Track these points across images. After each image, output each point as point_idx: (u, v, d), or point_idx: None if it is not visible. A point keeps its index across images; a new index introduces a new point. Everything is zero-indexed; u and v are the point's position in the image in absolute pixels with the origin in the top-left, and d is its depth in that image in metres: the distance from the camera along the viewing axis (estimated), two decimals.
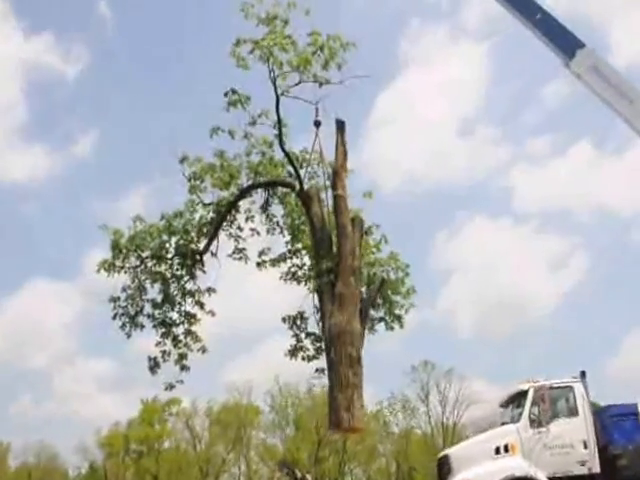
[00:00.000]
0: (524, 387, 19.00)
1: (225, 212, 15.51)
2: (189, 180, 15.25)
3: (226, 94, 12.88)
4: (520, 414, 18.67)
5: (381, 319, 16.49)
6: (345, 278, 12.42)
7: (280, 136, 13.65)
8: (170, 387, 15.91)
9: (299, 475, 21.71)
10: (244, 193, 15.25)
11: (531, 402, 18.41)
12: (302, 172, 14.64)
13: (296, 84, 13.09)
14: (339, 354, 11.70)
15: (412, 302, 16.42)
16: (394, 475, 59.73)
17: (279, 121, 13.36)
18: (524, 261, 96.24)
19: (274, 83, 12.62)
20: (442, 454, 19.62)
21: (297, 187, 14.00)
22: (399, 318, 16.42)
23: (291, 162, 14.10)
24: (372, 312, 16.75)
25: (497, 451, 18.08)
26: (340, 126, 14.06)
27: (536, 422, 18.27)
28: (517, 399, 19.42)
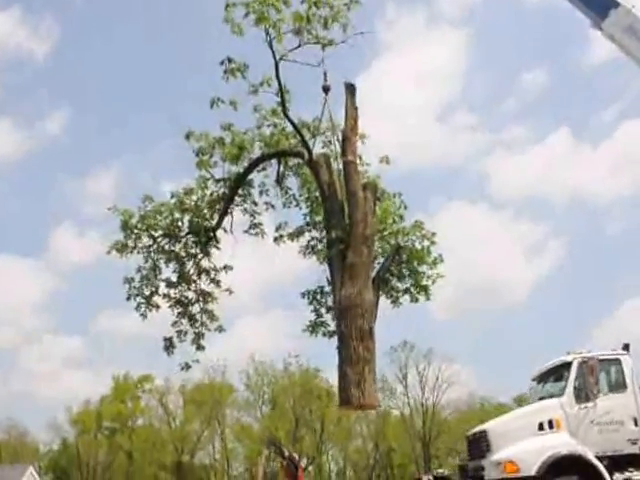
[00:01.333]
0: (567, 359, 17.41)
1: (235, 186, 14.94)
2: (197, 155, 14.70)
3: (222, 62, 12.21)
4: (563, 388, 17.24)
5: (406, 290, 15.78)
6: (356, 247, 11.72)
7: (283, 103, 12.97)
8: (187, 367, 15.59)
9: (287, 454, 21.28)
10: (253, 166, 14.63)
11: (575, 375, 16.96)
12: (314, 140, 14.03)
13: (296, 47, 12.37)
14: (349, 327, 11.04)
15: (439, 272, 15.66)
16: (372, 455, 59.09)
17: (280, 88, 12.66)
18: (501, 247, 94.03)
19: (271, 46, 11.91)
20: (478, 429, 18.37)
21: (306, 156, 13.27)
22: (425, 289, 15.67)
23: (297, 130, 13.41)
24: (397, 284, 16.14)
25: (540, 427, 16.50)
26: (350, 89, 13.31)
27: (582, 396, 16.83)
28: (557, 372, 18.06)
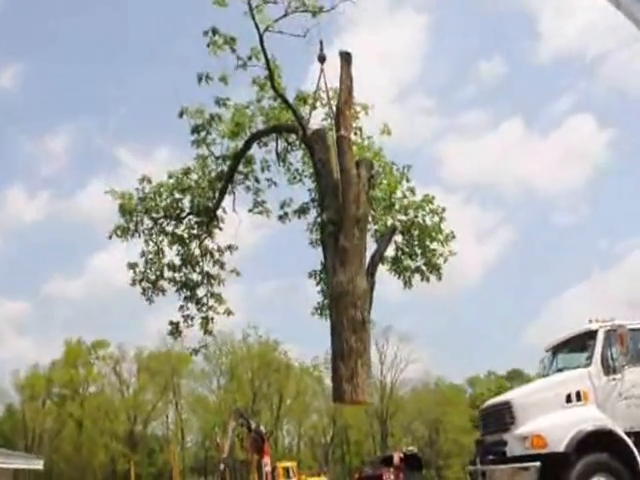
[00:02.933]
0: (592, 327, 15.96)
1: (234, 164, 14.28)
2: (192, 133, 14.07)
3: (206, 33, 11.43)
4: (588, 359, 15.93)
5: (416, 269, 15.00)
6: (348, 230, 10.93)
7: (271, 77, 12.19)
8: (195, 352, 15.32)
9: (254, 426, 20.86)
10: (249, 143, 13.93)
11: (603, 344, 15.62)
12: (311, 114, 13.24)
13: (282, 17, 11.48)
14: (340, 317, 10.33)
15: (452, 249, 14.81)
16: (328, 431, 58.41)
17: (267, 61, 11.83)
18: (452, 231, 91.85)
19: (253, 17, 11.06)
20: (498, 400, 17.14)
21: (300, 131, 12.47)
22: (437, 268, 14.86)
23: (288, 104, 12.61)
24: (409, 262, 15.37)
25: (568, 399, 15.21)
26: (345, 58, 12.37)
27: (609, 368, 15.58)
28: (578, 342, 16.65)
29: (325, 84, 12.86)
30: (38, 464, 14.20)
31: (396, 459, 22.52)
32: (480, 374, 74.57)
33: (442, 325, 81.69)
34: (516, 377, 68.80)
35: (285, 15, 11.50)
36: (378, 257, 11.44)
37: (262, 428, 24.43)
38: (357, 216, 11.09)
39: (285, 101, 12.65)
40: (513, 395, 16.72)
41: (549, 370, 17.66)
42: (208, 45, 11.41)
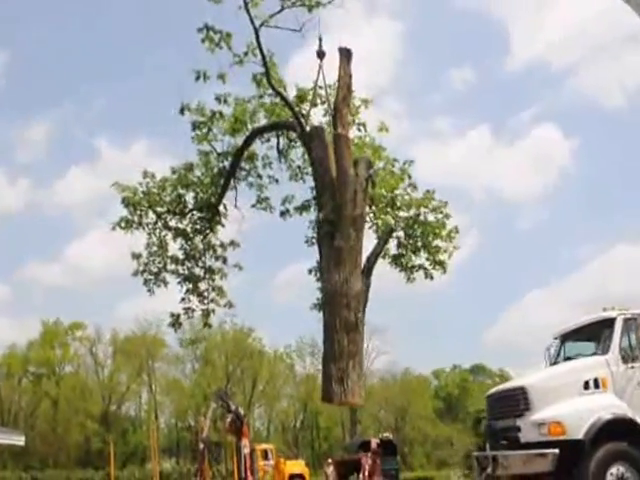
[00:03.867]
0: (610, 315, 15.68)
1: (235, 160, 14.28)
2: (193, 129, 14.08)
3: (200, 30, 11.37)
4: (604, 347, 15.42)
5: (419, 267, 14.94)
6: (343, 230, 10.89)
7: (267, 73, 12.10)
8: (192, 343, 15.49)
9: (233, 408, 20.84)
10: (249, 139, 13.91)
11: (621, 332, 15.05)
12: (309, 111, 13.18)
13: (278, 12, 11.39)
14: (333, 318, 10.33)
15: (456, 245, 14.73)
16: (299, 417, 58.67)
17: (263, 56, 11.76)
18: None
19: (248, 11, 10.98)
20: (511, 385, 16.74)
21: (299, 129, 12.41)
22: (442, 264, 14.79)
23: (285, 101, 12.56)
24: (413, 258, 15.31)
25: (586, 386, 14.83)
26: (344, 54, 12.26)
27: (628, 356, 15.09)
28: (592, 330, 16.32)
29: (324, 80, 12.76)
30: (19, 440, 14.29)
31: (373, 445, 22.67)
32: (446, 367, 76.06)
33: (410, 320, 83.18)
34: (479, 371, 70.07)
35: (281, 10, 11.41)
36: (374, 258, 11.39)
37: (241, 410, 24.54)
38: (353, 216, 11.04)
39: (283, 98, 12.61)
40: (528, 381, 16.24)
41: (557, 358, 17.32)
42: (203, 41, 11.35)
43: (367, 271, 11.06)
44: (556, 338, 17.65)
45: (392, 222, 14.10)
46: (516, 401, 15.28)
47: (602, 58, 76.56)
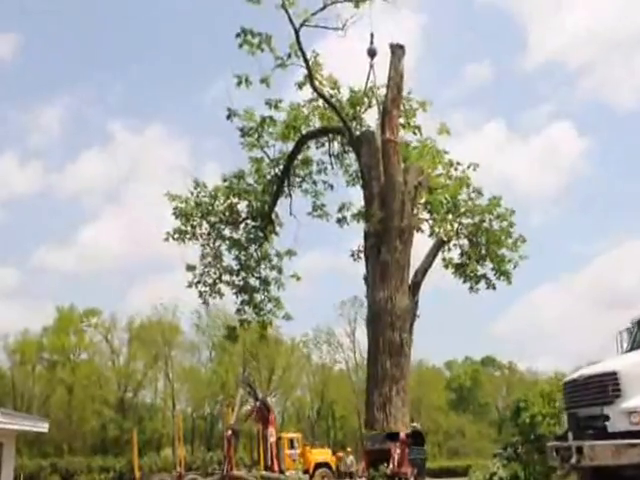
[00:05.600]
0: None
1: (287, 166, 13.71)
2: (242, 136, 13.59)
3: (238, 35, 10.83)
4: None
5: (482, 277, 13.85)
6: (390, 242, 10.14)
7: (310, 75, 11.41)
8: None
9: (260, 396, 19.90)
10: (300, 144, 13.29)
11: None
12: (361, 113, 12.43)
13: (320, 9, 10.71)
14: (376, 338, 9.59)
15: (522, 254, 13.57)
16: (314, 406, 55.98)
17: (305, 58, 11.11)
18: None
19: (286, 11, 10.36)
20: (601, 370, 15.46)
21: (347, 133, 11.71)
22: (507, 274, 13.66)
23: (330, 105, 11.85)
24: (479, 267, 14.25)
25: None
26: (396, 52, 11.48)
27: None
28: None
29: (374, 80, 11.98)
30: (43, 427, 14.41)
31: (402, 435, 21.33)
32: (458, 359, 73.66)
33: (424, 311, 79.54)
34: (489, 363, 67.59)
35: (324, 7, 10.72)
36: (422, 273, 10.52)
37: (268, 399, 23.90)
38: (401, 228, 10.27)
39: (328, 102, 11.90)
40: (621, 364, 14.87)
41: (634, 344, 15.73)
42: (240, 46, 10.81)
43: (414, 287, 10.23)
44: (634, 323, 16.15)
45: (453, 230, 13.07)
46: (604, 387, 13.83)
47: (618, 57, 72.50)
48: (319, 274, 59.53)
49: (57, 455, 41.48)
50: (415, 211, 10.80)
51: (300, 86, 12.20)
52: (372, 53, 11.80)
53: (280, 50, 11.16)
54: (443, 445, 57.20)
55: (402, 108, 12.10)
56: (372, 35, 11.63)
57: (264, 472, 17.85)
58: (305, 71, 11.46)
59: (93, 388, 50.64)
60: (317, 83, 11.57)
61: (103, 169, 65.20)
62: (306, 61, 11.04)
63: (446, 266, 13.70)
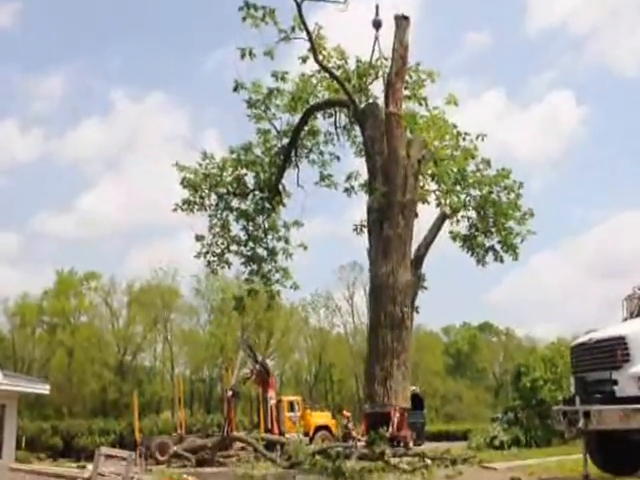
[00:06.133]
0: None
1: (294, 137, 13.69)
2: (249, 107, 13.57)
3: (241, 9, 10.75)
4: None
5: (489, 248, 13.86)
6: (392, 217, 10.18)
7: (313, 48, 11.33)
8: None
9: (260, 359, 20.10)
10: (306, 116, 13.24)
11: None
12: (367, 85, 12.33)
13: None
14: (378, 312, 9.70)
15: (529, 228, 13.53)
16: (312, 369, 56.25)
17: (308, 32, 11.02)
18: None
19: None
20: (610, 334, 15.53)
21: (351, 106, 11.65)
22: (513, 248, 13.64)
23: (334, 77, 11.77)
24: (484, 239, 14.23)
25: None
26: (401, 23, 11.33)
27: None
28: None
29: (380, 51, 11.85)
30: (45, 389, 14.82)
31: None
32: (455, 324, 73.84)
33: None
34: (486, 329, 67.73)
35: None
36: (425, 247, 10.56)
37: (268, 361, 24.14)
38: (403, 202, 10.29)
39: (332, 74, 11.84)
40: (629, 329, 14.89)
41: None
42: (244, 19, 10.73)
43: (417, 262, 10.28)
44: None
45: (461, 202, 13.04)
46: (613, 352, 13.81)
47: (620, 25, 70.27)
48: (319, 240, 59.64)
49: (58, 417, 42.19)
50: (421, 183, 10.76)
51: (304, 60, 12.13)
52: (377, 24, 11.66)
53: (283, 23, 11.07)
54: (440, 410, 57.69)
55: (409, 79, 11.98)
56: (377, 7, 11.49)
57: (264, 434, 18.13)
58: (308, 44, 11.33)
59: (93, 351, 51.13)
60: (321, 57, 11.41)
61: (103, 136, 65.35)
62: (309, 35, 10.97)
63: (453, 238, 13.73)
